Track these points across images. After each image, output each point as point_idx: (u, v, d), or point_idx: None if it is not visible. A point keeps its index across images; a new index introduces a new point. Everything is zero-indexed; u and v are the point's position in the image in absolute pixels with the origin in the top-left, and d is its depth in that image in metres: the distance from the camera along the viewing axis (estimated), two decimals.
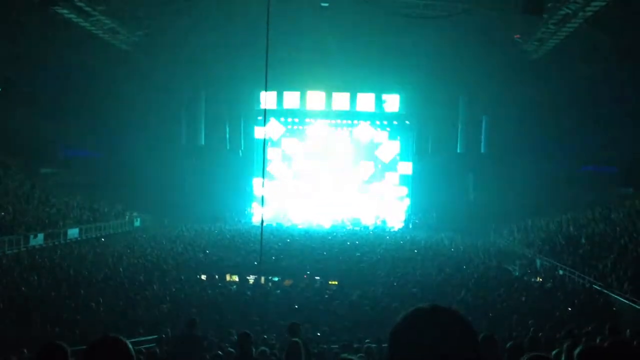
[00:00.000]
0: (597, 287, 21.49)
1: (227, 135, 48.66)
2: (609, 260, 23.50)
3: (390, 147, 48.86)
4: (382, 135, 48.86)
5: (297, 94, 48.10)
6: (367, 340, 13.32)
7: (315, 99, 48.03)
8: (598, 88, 37.46)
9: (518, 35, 38.23)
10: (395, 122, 48.44)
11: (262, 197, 29.98)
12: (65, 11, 32.48)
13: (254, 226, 40.32)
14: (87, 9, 33.63)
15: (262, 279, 22.96)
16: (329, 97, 47.91)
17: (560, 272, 25.39)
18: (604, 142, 38.81)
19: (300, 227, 42.74)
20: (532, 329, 13.92)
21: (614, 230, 28.19)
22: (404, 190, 48.23)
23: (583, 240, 28.31)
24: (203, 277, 23.63)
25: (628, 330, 10.77)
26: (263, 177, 26.46)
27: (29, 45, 35.29)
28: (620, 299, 19.79)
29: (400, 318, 2.08)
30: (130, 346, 2.66)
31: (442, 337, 2.02)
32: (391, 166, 48.90)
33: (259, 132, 47.61)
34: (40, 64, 38.04)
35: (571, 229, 31.95)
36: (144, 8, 37.19)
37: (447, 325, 2.04)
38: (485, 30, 37.41)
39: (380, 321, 15.77)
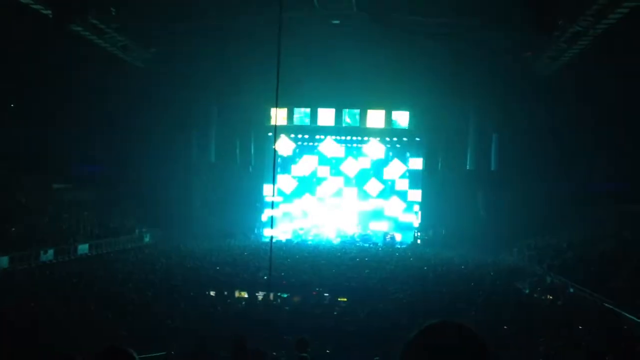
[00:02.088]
0: (609, 306, 21.33)
1: (238, 152, 48.81)
2: (621, 278, 23.35)
3: (399, 164, 48.90)
4: (391, 152, 48.93)
5: (307, 110, 48.31)
6: (376, 358, 13.27)
7: (326, 115, 48.19)
8: (610, 104, 37.32)
9: (529, 53, 38.23)
10: (405, 139, 48.52)
11: (271, 211, 30.14)
12: (79, 28, 32.78)
13: (264, 242, 40.46)
14: (101, 26, 33.96)
15: (271, 295, 22.90)
16: (339, 113, 48.08)
17: (571, 290, 25.23)
18: (616, 159, 38.61)
19: (309, 243, 42.87)
20: (541, 347, 13.83)
21: (626, 247, 28.01)
22: (414, 206, 48.22)
23: (594, 258, 28.14)
24: (212, 293, 23.59)
25: None
26: (273, 193, 26.49)
27: (43, 62, 35.58)
28: (633, 317, 19.63)
29: (413, 334, 2.09)
30: (136, 356, 2.67)
31: (455, 353, 2.02)
32: (401, 182, 48.94)
33: (269, 149, 47.76)
34: (54, 80, 38.33)
35: (582, 246, 31.78)
36: (157, 26, 37.48)
37: (459, 341, 2.04)
38: (495, 47, 37.46)
39: (390, 338, 15.69)
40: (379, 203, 48.63)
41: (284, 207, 47.78)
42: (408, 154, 49.10)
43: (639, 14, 27.18)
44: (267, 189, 47.96)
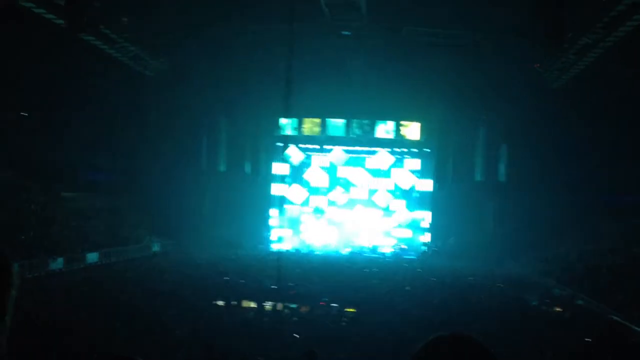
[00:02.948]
0: (617, 318, 21.22)
1: (247, 162, 48.85)
2: (630, 291, 23.23)
3: (409, 175, 48.82)
4: (401, 163, 48.87)
5: (317, 120, 48.34)
6: None
7: (335, 125, 48.24)
8: (619, 117, 37.19)
9: (538, 65, 38.20)
10: (414, 150, 48.45)
11: (280, 223, 30.21)
12: (91, 38, 32.99)
13: (272, 252, 40.46)
14: (112, 36, 34.17)
15: (280, 305, 22.91)
16: (348, 124, 48.10)
17: (580, 302, 25.12)
18: (626, 171, 38.43)
19: (318, 253, 42.83)
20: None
21: (635, 260, 27.86)
22: (423, 217, 48.07)
23: (603, 271, 28.00)
24: (220, 302, 23.60)
25: None
26: (282, 203, 26.56)
27: (54, 70, 35.79)
28: None
29: (421, 346, 2.11)
30: None
31: None
32: (410, 193, 48.82)
33: (278, 159, 47.84)
34: (64, 88, 38.52)
35: (591, 259, 31.62)
36: (168, 36, 37.67)
37: (467, 353, 2.06)
38: (505, 59, 37.44)
39: (398, 349, 15.67)
40: (389, 213, 48.49)
41: (292, 217, 47.72)
42: (419, 165, 48.90)
43: None
44: (276, 198, 48.01)
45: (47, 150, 39.72)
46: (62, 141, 40.11)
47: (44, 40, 32.82)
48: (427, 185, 48.47)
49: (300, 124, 48.17)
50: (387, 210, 48.47)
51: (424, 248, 46.09)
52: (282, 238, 41.61)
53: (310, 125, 48.54)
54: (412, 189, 48.83)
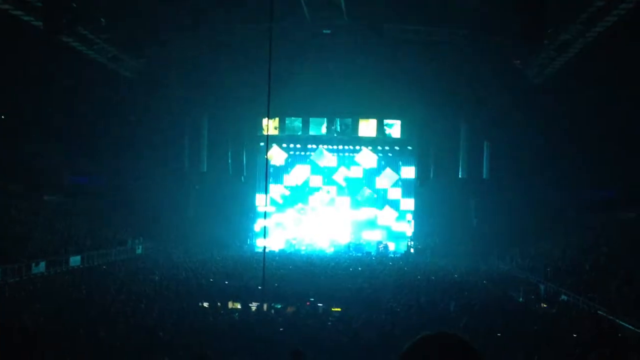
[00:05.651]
0: (602, 313, 21.33)
1: (230, 162, 48.72)
2: (614, 285, 23.38)
3: (392, 173, 48.92)
4: (383, 161, 48.94)
5: (299, 120, 48.30)
6: None
7: (317, 125, 48.25)
8: (600, 112, 37.46)
9: (518, 61, 38.39)
10: (397, 148, 48.54)
11: (264, 222, 30.17)
12: (69, 39, 32.74)
13: (257, 252, 40.42)
14: (91, 37, 33.93)
15: (265, 306, 22.82)
16: (330, 123, 48.11)
17: (565, 297, 25.24)
18: (606, 166, 38.74)
19: (303, 253, 42.79)
20: (536, 356, 13.80)
21: (618, 255, 28.05)
22: (406, 215, 48.20)
23: (587, 266, 28.17)
24: (205, 304, 23.47)
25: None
26: (266, 204, 26.48)
27: (34, 72, 35.51)
28: (626, 324, 19.63)
29: (408, 345, 2.07)
30: None
31: None
32: (393, 191, 48.94)
33: (261, 159, 47.74)
34: (45, 90, 38.23)
35: (575, 254, 31.82)
36: (147, 36, 37.46)
37: (454, 352, 2.03)
38: (485, 55, 37.60)
39: (384, 348, 15.64)
40: (372, 212, 48.59)
41: (276, 217, 47.68)
42: (400, 163, 49.11)
43: (628, 22, 27.34)
44: (259, 199, 47.91)
45: (28, 153, 39.41)
46: (42, 144, 39.82)
47: (22, 42, 32.54)
48: (409, 182, 48.51)
49: (282, 123, 48.10)
50: (371, 209, 48.52)
51: (407, 246, 46.17)
52: (266, 238, 41.53)
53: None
54: (395, 186, 48.91)
